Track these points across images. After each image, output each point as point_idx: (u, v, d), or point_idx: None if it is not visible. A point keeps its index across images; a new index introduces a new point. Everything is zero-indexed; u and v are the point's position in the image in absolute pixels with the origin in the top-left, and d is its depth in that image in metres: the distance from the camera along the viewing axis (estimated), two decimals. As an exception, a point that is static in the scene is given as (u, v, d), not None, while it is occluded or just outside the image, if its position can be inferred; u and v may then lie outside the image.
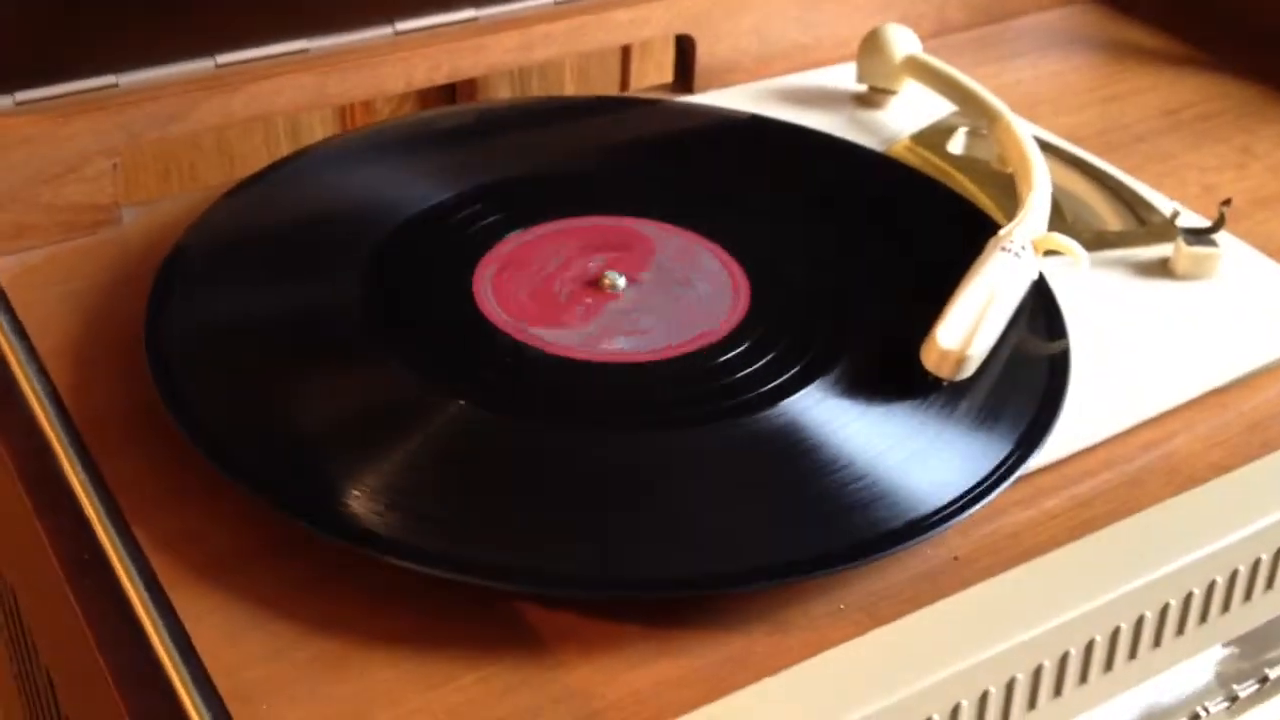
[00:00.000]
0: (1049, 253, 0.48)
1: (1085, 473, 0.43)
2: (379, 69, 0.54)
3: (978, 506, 0.39)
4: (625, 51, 0.75)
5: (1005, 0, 0.71)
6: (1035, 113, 0.62)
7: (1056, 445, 0.42)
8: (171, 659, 0.31)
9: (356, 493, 0.38)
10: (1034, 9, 0.72)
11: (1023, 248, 0.47)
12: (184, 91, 0.51)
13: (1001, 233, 0.47)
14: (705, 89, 0.63)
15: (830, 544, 0.38)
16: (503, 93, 0.74)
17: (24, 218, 0.50)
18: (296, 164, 0.53)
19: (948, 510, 0.39)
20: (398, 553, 0.37)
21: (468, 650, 0.36)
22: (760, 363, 0.44)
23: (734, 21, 0.62)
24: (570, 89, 0.76)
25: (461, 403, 0.41)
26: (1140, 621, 0.39)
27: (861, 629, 0.37)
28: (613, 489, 0.40)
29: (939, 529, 0.39)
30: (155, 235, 0.50)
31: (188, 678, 0.31)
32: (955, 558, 0.40)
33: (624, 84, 0.77)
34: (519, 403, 0.42)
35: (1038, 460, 0.42)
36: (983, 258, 0.46)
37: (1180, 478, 0.43)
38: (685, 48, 0.62)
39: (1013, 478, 0.40)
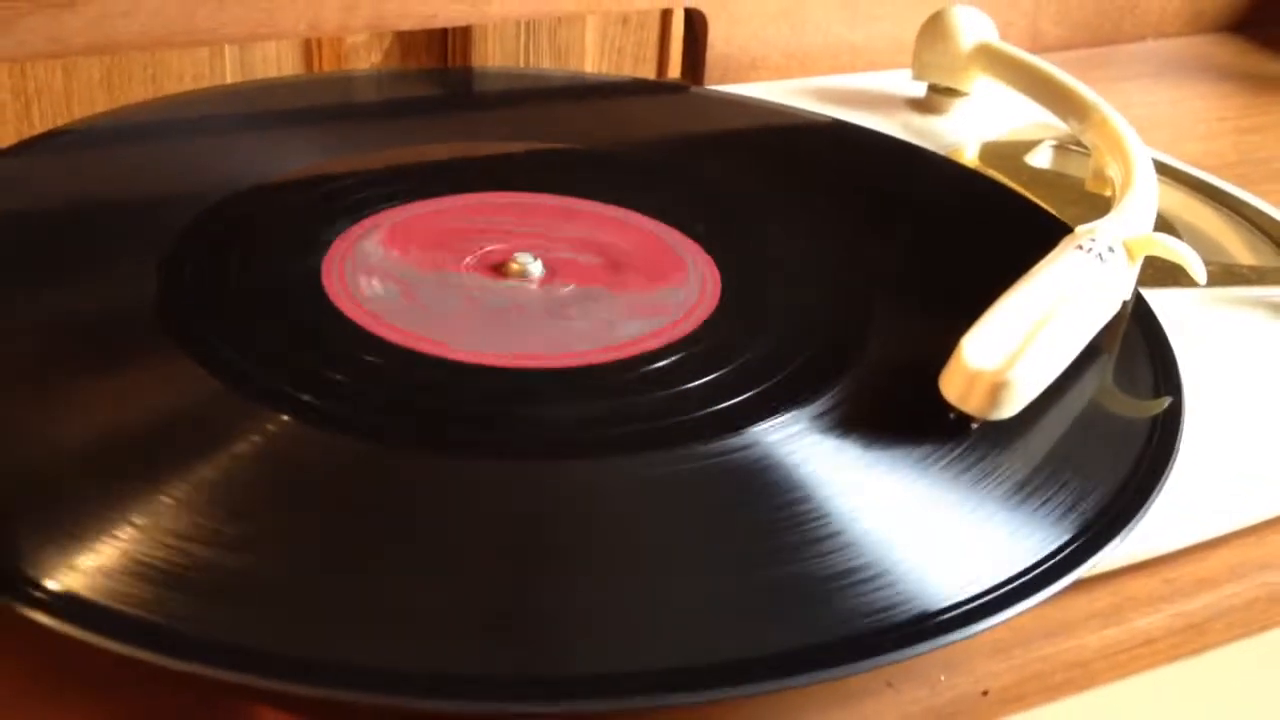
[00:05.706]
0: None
1: (1201, 581, 0.30)
2: (270, 3, 0.42)
3: (1017, 609, 0.26)
4: (664, 31, 0.62)
5: (1117, 18, 0.57)
6: (1151, 137, 0.48)
7: (1156, 537, 0.30)
8: None
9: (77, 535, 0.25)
10: (1153, 33, 0.58)
11: (1110, 249, 0.32)
12: (-3, 2, 0.39)
13: (1080, 229, 0.33)
14: (719, 84, 0.49)
15: (769, 642, 0.24)
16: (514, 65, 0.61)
17: None
18: (101, 125, 0.41)
19: (968, 609, 0.25)
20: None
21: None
22: (712, 377, 0.31)
23: (758, 2, 0.49)
24: (592, 70, 0.63)
25: (284, 418, 0.28)
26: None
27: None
28: (459, 547, 0.26)
29: (951, 636, 0.25)
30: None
31: None
32: (984, 692, 0.27)
33: (661, 70, 0.64)
34: (363, 419, 0.29)
35: (1121, 553, 0.28)
36: (1050, 257, 0.32)
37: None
38: (696, 28, 0.49)
39: (1075, 573, 0.26)
